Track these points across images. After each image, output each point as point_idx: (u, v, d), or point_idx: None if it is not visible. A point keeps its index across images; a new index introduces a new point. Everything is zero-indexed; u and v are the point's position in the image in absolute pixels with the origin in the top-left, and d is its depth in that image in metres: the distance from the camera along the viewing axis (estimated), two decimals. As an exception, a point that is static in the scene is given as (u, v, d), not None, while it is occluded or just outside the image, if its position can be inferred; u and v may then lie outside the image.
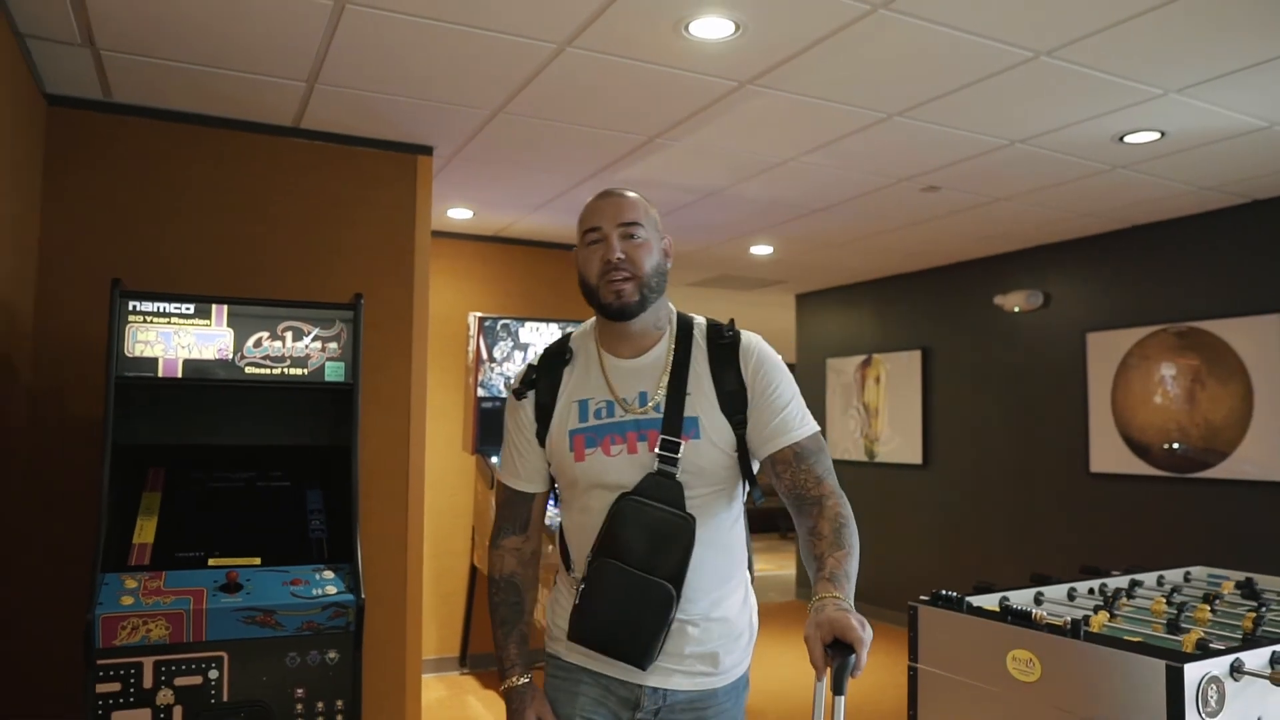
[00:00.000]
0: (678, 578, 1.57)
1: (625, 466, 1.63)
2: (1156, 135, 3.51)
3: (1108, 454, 5.10)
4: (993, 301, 5.82)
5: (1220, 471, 4.56)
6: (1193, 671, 1.92)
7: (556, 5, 2.51)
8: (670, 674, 1.66)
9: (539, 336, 5.15)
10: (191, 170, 3.42)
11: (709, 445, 1.63)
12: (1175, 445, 4.79)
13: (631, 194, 1.73)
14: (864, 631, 1.34)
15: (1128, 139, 3.56)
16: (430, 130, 3.60)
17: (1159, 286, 4.95)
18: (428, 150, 3.79)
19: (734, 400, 1.66)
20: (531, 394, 1.73)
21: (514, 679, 1.70)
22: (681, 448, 1.61)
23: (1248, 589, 2.84)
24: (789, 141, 3.70)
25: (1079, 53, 2.78)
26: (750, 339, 1.73)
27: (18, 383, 2.98)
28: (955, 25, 2.60)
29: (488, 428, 5.03)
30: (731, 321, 1.75)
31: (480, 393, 5.04)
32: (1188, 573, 3.15)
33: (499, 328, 5.08)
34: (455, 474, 5.30)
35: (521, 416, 1.74)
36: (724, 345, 1.70)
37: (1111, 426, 5.09)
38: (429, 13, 2.57)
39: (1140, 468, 4.93)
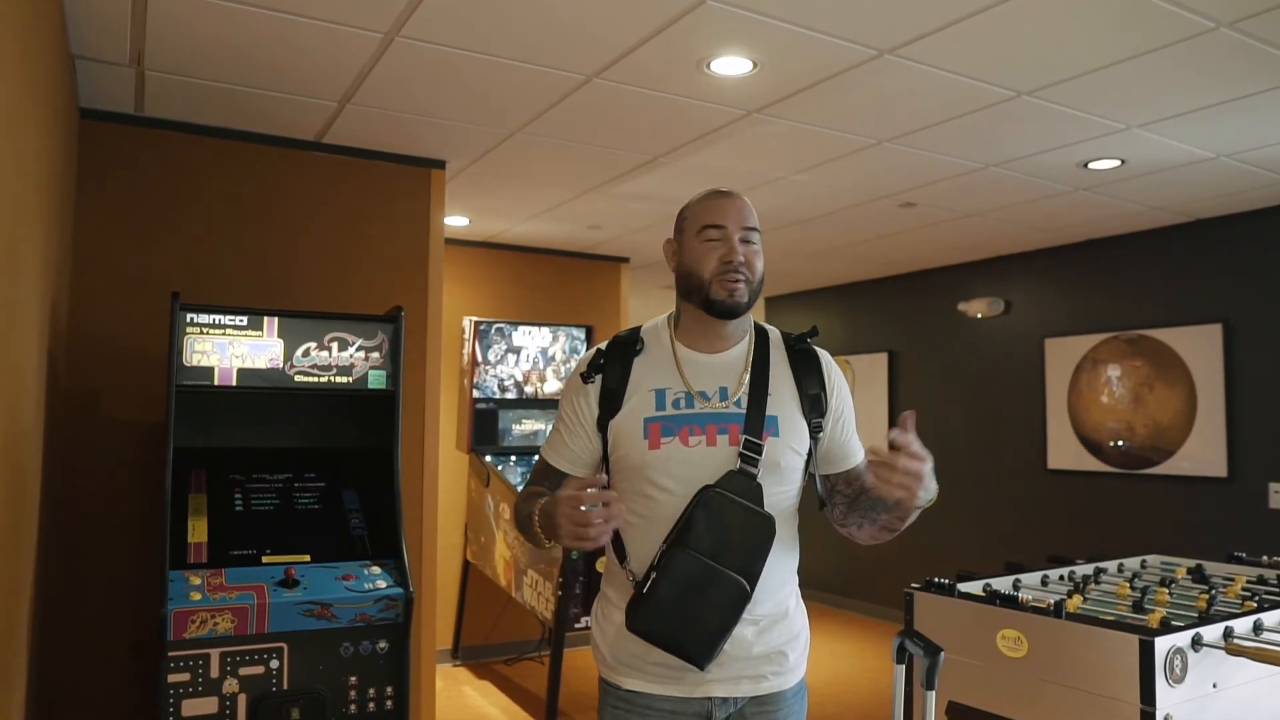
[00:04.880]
0: (751, 576, 1.57)
1: (702, 458, 1.62)
2: (1117, 162, 3.86)
3: (1064, 452, 5.49)
4: (956, 308, 6.17)
5: (1167, 468, 4.96)
6: (1161, 644, 2.23)
7: (593, 42, 2.73)
8: (738, 681, 1.64)
9: (532, 340, 5.35)
10: (217, 183, 3.55)
11: (786, 445, 1.67)
12: (1122, 443, 5.18)
13: (747, 198, 1.75)
14: (929, 477, 1.52)
15: (1091, 165, 3.90)
16: (446, 146, 3.77)
17: (1111, 296, 5.34)
18: (441, 164, 3.96)
19: (815, 404, 1.71)
20: (599, 379, 1.71)
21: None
22: (764, 447, 1.63)
23: (1198, 574, 3.18)
24: (782, 163, 3.96)
25: (1056, 93, 3.09)
26: (826, 353, 1.80)
27: (59, 387, 3.09)
28: (950, 69, 2.88)
29: (482, 428, 5.22)
30: (814, 329, 1.81)
31: (475, 394, 5.22)
32: (1144, 560, 3.49)
33: (493, 331, 5.27)
34: (448, 472, 5.45)
35: (582, 401, 1.72)
36: (804, 351, 1.76)
37: (1068, 426, 5.47)
38: (472, 46, 2.76)
39: (1094, 465, 5.31)
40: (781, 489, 1.69)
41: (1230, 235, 4.79)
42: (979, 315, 6.03)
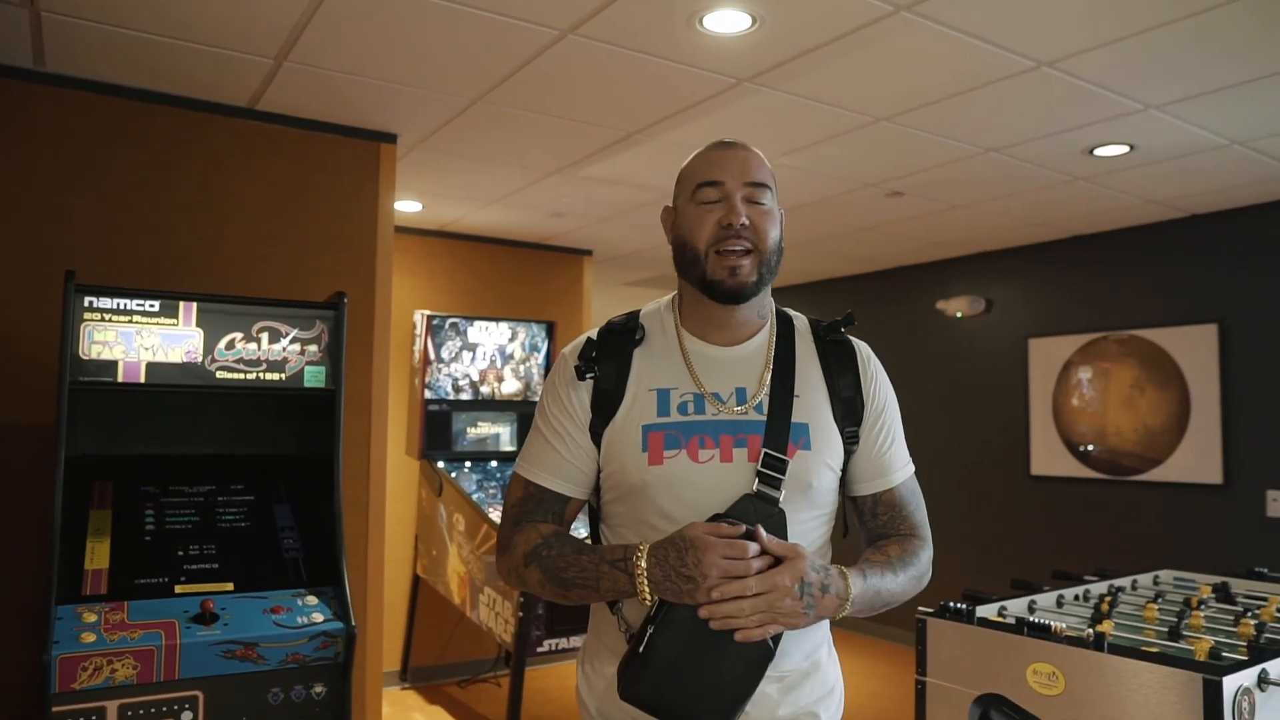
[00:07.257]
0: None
1: (716, 477, 1.32)
2: (1125, 149, 3.60)
3: (1048, 458, 5.25)
4: (935, 307, 5.92)
5: (1158, 474, 4.74)
6: (1229, 684, 1.94)
7: (570, -11, 2.36)
8: None
9: (489, 336, 4.95)
10: (132, 152, 3.10)
11: (818, 460, 1.37)
12: (1109, 448, 4.96)
13: (756, 149, 1.43)
14: (801, 604, 1.20)
15: (1097, 151, 3.64)
16: (397, 117, 3.37)
17: (1099, 295, 5.11)
18: (391, 138, 3.55)
19: (850, 409, 1.42)
20: (593, 376, 1.39)
21: (638, 548, 1.26)
22: (789, 464, 1.32)
23: (1223, 593, 2.92)
24: (769, 144, 3.63)
25: (1078, 64, 2.80)
26: (865, 345, 1.49)
27: (-67, 386, 2.63)
28: (972, 32, 2.57)
29: (434, 431, 4.81)
30: (850, 315, 1.48)
31: (427, 394, 4.81)
32: (1156, 576, 3.22)
33: (447, 326, 4.86)
34: (397, 479, 5.03)
35: (575, 402, 1.40)
36: (838, 344, 1.46)
37: (1052, 431, 5.24)
38: (429, -10, 2.38)
39: (1080, 471, 5.08)
40: (811, 515, 1.39)
41: (1227, 231, 4.59)
42: (959, 314, 5.78)
